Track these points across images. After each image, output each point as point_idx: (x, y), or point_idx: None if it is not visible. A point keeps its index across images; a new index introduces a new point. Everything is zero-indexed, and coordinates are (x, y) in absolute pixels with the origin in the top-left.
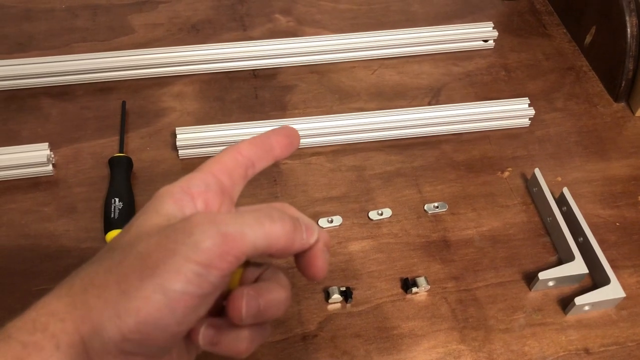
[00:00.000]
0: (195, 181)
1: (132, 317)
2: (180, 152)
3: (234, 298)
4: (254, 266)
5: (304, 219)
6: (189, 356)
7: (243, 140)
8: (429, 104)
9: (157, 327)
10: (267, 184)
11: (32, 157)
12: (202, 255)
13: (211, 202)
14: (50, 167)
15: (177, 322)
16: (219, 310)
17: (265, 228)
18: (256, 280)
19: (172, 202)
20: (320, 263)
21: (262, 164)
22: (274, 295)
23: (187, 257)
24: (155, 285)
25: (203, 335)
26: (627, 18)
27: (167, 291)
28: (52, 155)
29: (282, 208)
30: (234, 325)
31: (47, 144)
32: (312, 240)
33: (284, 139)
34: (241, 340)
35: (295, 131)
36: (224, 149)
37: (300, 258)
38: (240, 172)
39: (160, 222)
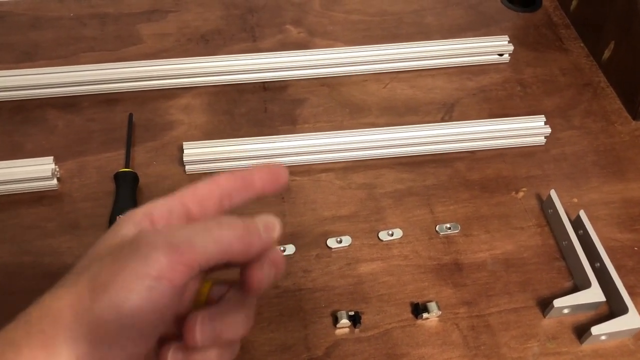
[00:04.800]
0: (159, 206)
1: (86, 340)
2: (187, 167)
3: (188, 323)
4: (219, 285)
5: (263, 217)
6: None
7: (224, 172)
8: (442, 119)
9: (112, 348)
10: (275, 201)
11: (36, 171)
12: (151, 267)
13: None
14: (54, 182)
15: (133, 342)
16: None
17: (214, 234)
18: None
19: (131, 225)
20: (257, 275)
21: (240, 196)
22: (232, 317)
23: (136, 271)
24: (107, 302)
25: (172, 359)
26: None
27: (119, 308)
28: (57, 169)
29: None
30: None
31: (52, 157)
32: (275, 234)
33: (268, 175)
34: None
35: (281, 169)
36: (203, 179)
37: (243, 267)
38: (213, 201)
39: (114, 244)
